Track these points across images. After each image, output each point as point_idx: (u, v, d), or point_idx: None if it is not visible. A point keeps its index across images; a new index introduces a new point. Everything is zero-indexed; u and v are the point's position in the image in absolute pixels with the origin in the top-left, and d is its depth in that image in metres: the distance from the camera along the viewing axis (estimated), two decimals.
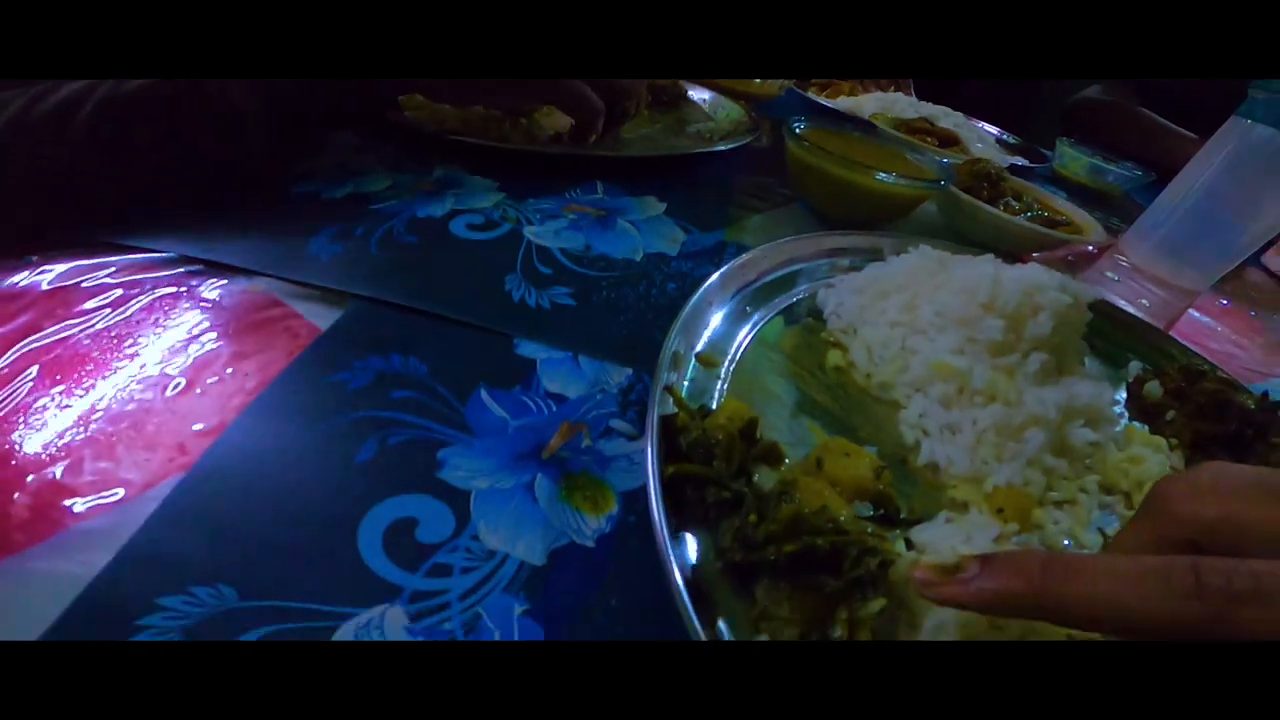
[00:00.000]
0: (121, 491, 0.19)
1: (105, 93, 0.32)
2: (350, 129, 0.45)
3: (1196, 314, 0.56)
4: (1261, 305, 0.66)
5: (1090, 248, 0.55)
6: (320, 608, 0.17)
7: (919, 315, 0.32)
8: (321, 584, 0.18)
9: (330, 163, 0.41)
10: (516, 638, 0.18)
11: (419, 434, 0.23)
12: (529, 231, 0.38)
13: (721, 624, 0.19)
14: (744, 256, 0.35)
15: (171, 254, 0.30)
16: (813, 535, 0.20)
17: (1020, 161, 0.79)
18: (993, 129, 0.93)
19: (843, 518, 0.21)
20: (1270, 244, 0.77)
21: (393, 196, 0.38)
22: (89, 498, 0.19)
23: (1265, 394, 0.37)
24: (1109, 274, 0.56)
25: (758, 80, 0.72)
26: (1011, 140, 0.90)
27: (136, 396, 0.22)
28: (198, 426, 0.22)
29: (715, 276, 0.33)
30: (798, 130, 0.45)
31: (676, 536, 0.20)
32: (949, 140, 0.65)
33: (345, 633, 0.17)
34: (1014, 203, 0.49)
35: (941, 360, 0.30)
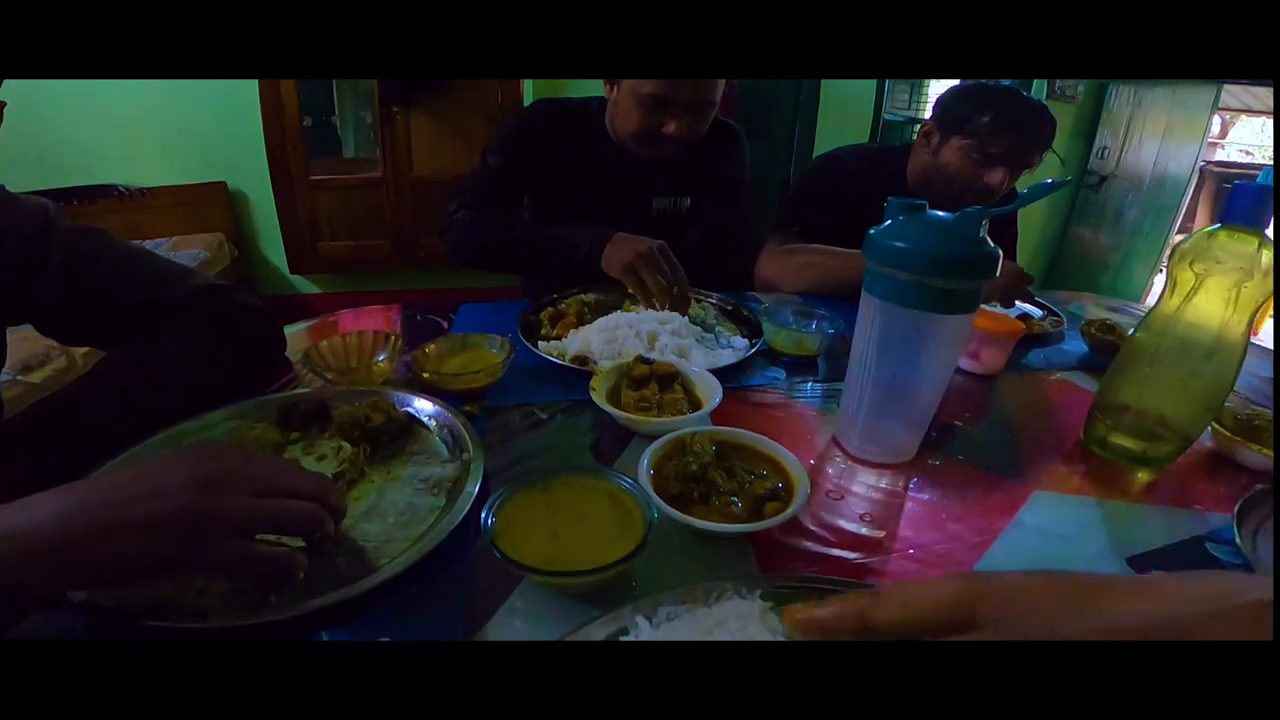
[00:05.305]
0: None
1: None
2: None
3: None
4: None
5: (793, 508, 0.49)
6: None
7: None
8: None
9: None
10: None
11: None
12: None
13: None
14: None
15: None
16: None
17: (740, 344, 0.87)
18: (713, 299, 1.02)
19: None
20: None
21: None
22: None
23: None
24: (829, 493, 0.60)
25: (476, 370, 0.72)
26: (728, 307, 0.99)
27: None
28: None
29: None
30: (490, 528, 0.44)
31: None
32: (668, 379, 0.69)
33: None
34: (723, 484, 0.51)
35: None
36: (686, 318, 0.88)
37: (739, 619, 0.38)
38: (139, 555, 0.38)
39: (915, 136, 1.28)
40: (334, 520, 0.46)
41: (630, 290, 0.94)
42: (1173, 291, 0.62)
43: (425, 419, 0.65)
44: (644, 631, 0.39)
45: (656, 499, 0.47)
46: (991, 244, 0.56)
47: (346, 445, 0.60)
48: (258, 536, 0.42)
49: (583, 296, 0.98)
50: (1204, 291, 0.59)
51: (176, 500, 0.38)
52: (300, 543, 0.45)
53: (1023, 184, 1.21)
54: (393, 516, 0.53)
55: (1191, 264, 0.59)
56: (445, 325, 0.96)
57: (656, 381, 0.68)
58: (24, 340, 1.72)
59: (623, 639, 0.39)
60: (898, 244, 0.56)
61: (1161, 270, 3.85)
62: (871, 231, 0.59)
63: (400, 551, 0.47)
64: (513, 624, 0.43)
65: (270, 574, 0.43)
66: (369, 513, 0.53)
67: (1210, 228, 0.59)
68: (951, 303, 0.57)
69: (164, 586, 0.43)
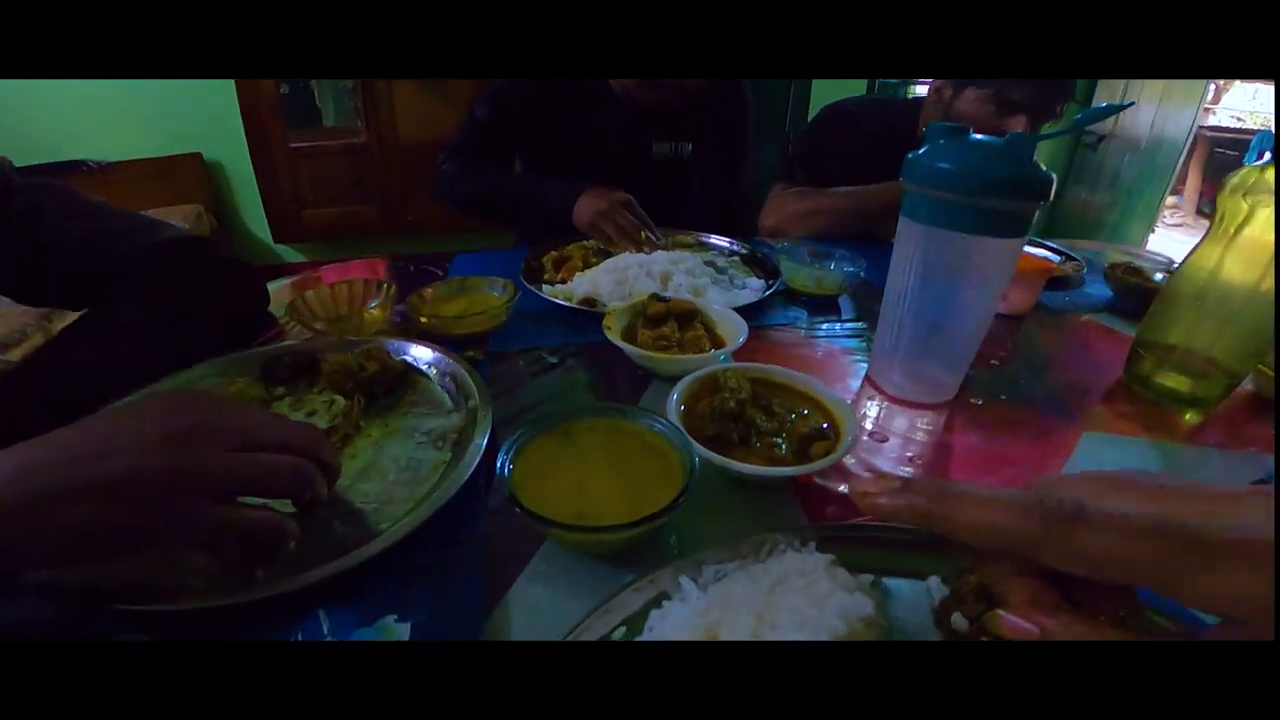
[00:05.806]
0: None
1: None
2: None
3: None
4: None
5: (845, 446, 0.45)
6: None
7: None
8: None
9: None
10: None
11: None
12: None
13: None
14: None
15: None
16: None
17: (756, 285, 0.82)
18: (724, 242, 0.96)
19: None
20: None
21: None
22: None
23: None
24: (873, 434, 0.56)
25: (479, 312, 0.66)
26: (743, 250, 0.94)
27: None
28: None
29: None
30: (508, 478, 0.39)
31: None
32: (687, 317, 0.64)
33: None
34: (763, 424, 0.46)
35: None
36: (699, 257, 0.82)
37: (801, 575, 0.33)
38: (99, 525, 0.31)
39: (910, 95, 1.22)
40: (327, 479, 0.40)
41: (600, 245, 0.91)
42: (1221, 226, 0.59)
43: (424, 366, 0.59)
44: (691, 595, 0.34)
45: (693, 442, 0.42)
46: (1044, 167, 0.50)
47: (339, 398, 0.54)
48: (239, 500, 0.36)
49: (585, 243, 0.92)
50: (1253, 224, 0.56)
51: (141, 459, 0.32)
52: (289, 506, 0.39)
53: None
54: (393, 474, 0.47)
55: (1244, 196, 0.57)
56: (441, 275, 0.90)
57: (675, 320, 0.62)
58: (0, 317, 1.65)
59: (665, 604, 0.34)
60: (944, 165, 0.50)
61: (1155, 230, 3.81)
62: (911, 156, 0.53)
63: (404, 513, 0.41)
64: (537, 591, 0.38)
65: (256, 543, 0.37)
66: (366, 471, 0.47)
67: (1260, 162, 0.57)
68: (1002, 225, 0.51)
69: (134, 563, 0.37)
